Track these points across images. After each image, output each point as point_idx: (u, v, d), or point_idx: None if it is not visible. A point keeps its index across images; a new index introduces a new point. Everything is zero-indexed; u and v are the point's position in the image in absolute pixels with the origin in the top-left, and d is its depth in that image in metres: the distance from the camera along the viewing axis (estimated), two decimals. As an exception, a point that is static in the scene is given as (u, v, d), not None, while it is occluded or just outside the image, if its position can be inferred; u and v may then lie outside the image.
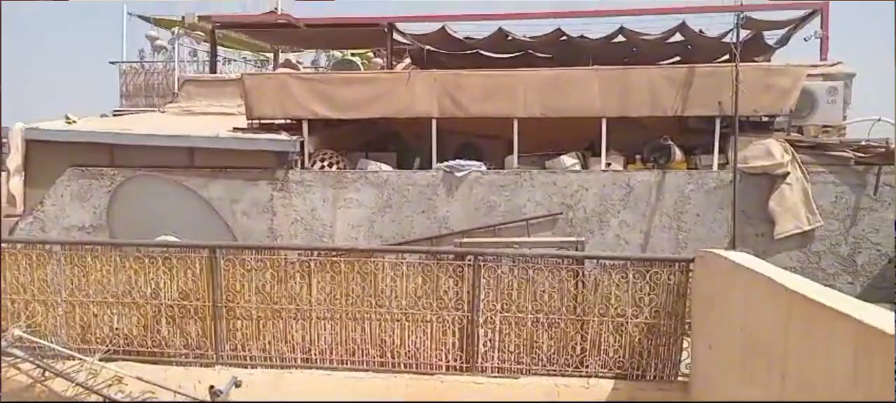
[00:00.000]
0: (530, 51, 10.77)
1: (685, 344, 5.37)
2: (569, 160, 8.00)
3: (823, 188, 7.37)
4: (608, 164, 7.96)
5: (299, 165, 8.16)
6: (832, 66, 8.77)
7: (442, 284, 5.60)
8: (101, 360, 5.62)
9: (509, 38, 10.26)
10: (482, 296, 5.56)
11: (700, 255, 5.25)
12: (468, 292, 5.55)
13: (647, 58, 9.96)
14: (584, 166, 8.11)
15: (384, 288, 5.62)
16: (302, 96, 8.25)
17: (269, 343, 5.69)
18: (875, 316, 3.01)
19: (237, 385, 5.44)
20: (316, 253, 5.78)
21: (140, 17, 13.78)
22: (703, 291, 5.11)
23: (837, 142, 7.69)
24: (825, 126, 8.19)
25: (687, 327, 5.36)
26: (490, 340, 5.58)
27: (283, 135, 8.25)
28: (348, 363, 5.64)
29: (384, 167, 8.25)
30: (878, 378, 2.84)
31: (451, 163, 7.95)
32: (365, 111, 8.25)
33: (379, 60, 13.64)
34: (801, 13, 9.56)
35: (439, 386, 5.48)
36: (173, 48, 13.25)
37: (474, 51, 10.94)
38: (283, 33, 12.12)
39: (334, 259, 5.66)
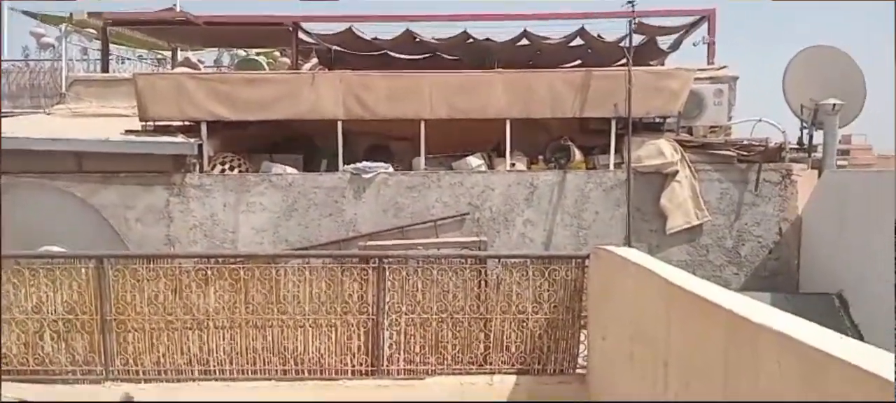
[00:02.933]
0: (438, 53, 10.85)
1: (582, 337, 5.58)
2: (475, 161, 8.13)
3: (710, 185, 7.85)
4: (513, 165, 8.14)
5: (198, 169, 7.85)
6: (718, 69, 9.34)
7: (347, 288, 5.55)
8: (-26, 382, 5.19)
9: (417, 39, 10.29)
10: (387, 299, 5.57)
11: (595, 252, 5.47)
12: (373, 295, 5.54)
13: (551, 61, 10.27)
14: (490, 167, 8.26)
15: (287, 294, 5.51)
16: (200, 97, 7.94)
17: (163, 355, 5.45)
18: (742, 305, 3.25)
19: (129, 400, 5.17)
20: (213, 260, 5.58)
21: (24, 12, 12.85)
22: (598, 286, 5.33)
23: (723, 142, 8.21)
24: (712, 126, 8.73)
25: (584, 321, 5.57)
26: (395, 342, 5.59)
27: (180, 138, 7.91)
28: (249, 372, 5.49)
29: (289, 170, 8.06)
30: (745, 362, 3.06)
31: (358, 165, 7.88)
32: (268, 112, 8.03)
33: (286, 60, 13.34)
34: (690, 19, 10.14)
35: (343, 391, 5.43)
36: (61, 45, 12.41)
37: (382, 52, 10.91)
38: (182, 31, 11.61)
39: (233, 266, 5.49)
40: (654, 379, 4.06)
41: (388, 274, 5.52)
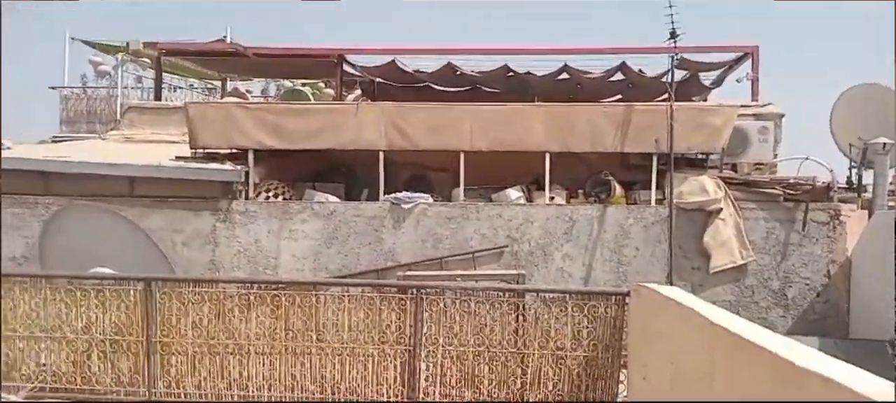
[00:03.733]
0: (478, 85, 10.98)
1: (622, 377, 5.48)
2: (514, 193, 8.14)
3: (755, 224, 7.69)
4: (552, 198, 8.13)
5: (244, 196, 8.06)
6: (763, 106, 9.22)
7: (385, 317, 5.59)
8: (26, 398, 5.38)
9: (458, 72, 10.44)
10: (424, 329, 5.58)
11: (635, 289, 5.39)
12: (410, 325, 5.56)
13: (591, 95, 10.28)
14: (529, 199, 8.26)
15: (326, 321, 5.58)
16: (247, 126, 8.19)
17: (205, 379, 5.55)
18: (787, 348, 3.16)
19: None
20: (256, 286, 5.69)
21: (83, 41, 13.49)
22: (638, 324, 5.24)
23: (768, 180, 8.05)
24: (757, 163, 8.58)
25: (624, 360, 5.48)
26: (431, 374, 5.59)
27: (228, 165, 8.15)
28: (288, 399, 5.55)
29: (331, 198, 8.21)
30: (791, 408, 2.98)
31: (398, 195, 7.98)
32: (312, 142, 8.23)
33: (330, 91, 13.67)
34: (733, 56, 10.05)
35: (379, 421, 5.43)
36: (117, 74, 12.97)
37: (424, 84, 11.09)
38: (231, 62, 12.04)
39: (274, 292, 5.59)
40: (696, 423, 3.97)
41: (425, 304, 5.54)
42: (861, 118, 8.54)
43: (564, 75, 10.11)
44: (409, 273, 7.44)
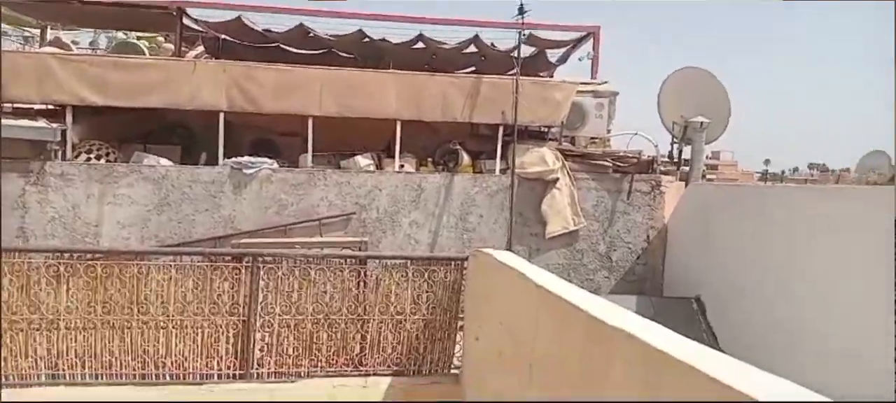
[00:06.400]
0: (333, 49, 10.66)
1: (458, 339, 5.64)
2: (363, 160, 8.05)
3: (587, 193, 8.21)
4: (401, 166, 8.13)
5: (60, 156, 7.24)
6: (601, 84, 9.80)
7: (216, 287, 5.30)
8: None
9: (311, 34, 10.06)
10: (260, 299, 5.36)
11: (473, 254, 5.54)
12: (245, 295, 5.32)
13: (446, 65, 10.36)
14: (379, 167, 8.20)
15: (149, 293, 5.18)
16: (66, 79, 7.33)
17: (5, 359, 4.95)
18: (600, 308, 3.38)
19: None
20: (67, 255, 5.14)
21: None
22: (474, 287, 5.41)
23: (600, 153, 8.62)
24: (593, 138, 9.16)
25: (461, 322, 5.64)
26: (267, 344, 5.40)
27: (42, 122, 7.27)
28: (104, 376, 5.10)
29: (163, 161, 7.61)
30: (598, 362, 3.19)
31: (239, 159, 7.57)
32: (142, 100, 7.54)
33: (170, 46, 12.62)
34: (577, 35, 10.57)
35: (208, 395, 5.17)
36: None
37: (274, 44, 10.56)
38: (54, 8, 10.68)
39: (90, 262, 5.09)
40: (520, 379, 4.16)
41: (262, 273, 5.32)
42: (684, 99, 9.36)
43: (420, 44, 10.09)
44: (246, 240, 7.11)
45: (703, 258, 7.51)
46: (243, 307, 5.32)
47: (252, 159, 7.64)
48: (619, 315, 3.21)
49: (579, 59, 10.24)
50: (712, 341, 7.00)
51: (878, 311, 4.94)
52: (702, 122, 8.84)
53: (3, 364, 4.93)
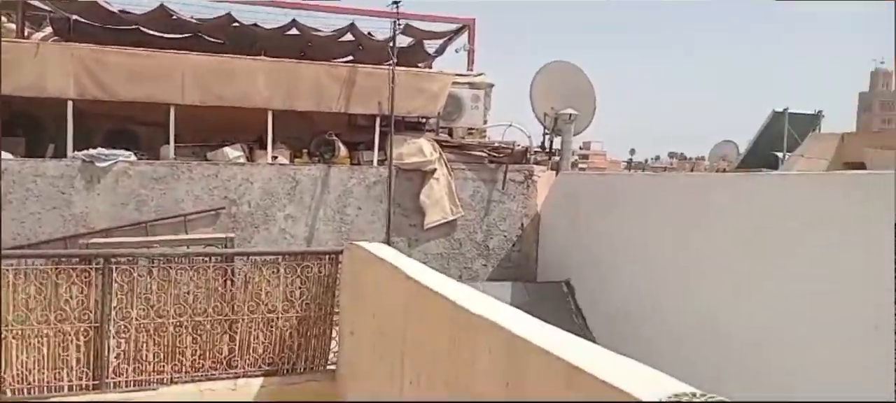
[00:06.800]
0: (199, 34, 10.05)
1: (334, 334, 5.53)
2: (232, 152, 7.67)
3: (464, 183, 8.35)
4: (275, 158, 7.84)
5: None
6: (477, 76, 9.98)
7: (63, 292, 4.83)
8: None
9: (174, 17, 9.42)
10: (115, 303, 4.95)
11: (347, 247, 5.45)
12: (96, 300, 4.89)
13: (322, 54, 10.10)
14: (250, 159, 7.86)
15: (-18, 302, 4.62)
16: None
17: None
18: (466, 297, 3.42)
19: None
20: None
21: None
22: (348, 281, 5.32)
23: (477, 144, 8.79)
24: (470, 128, 9.32)
25: (336, 317, 5.53)
26: (123, 351, 5.00)
27: None
28: (-75, 399, 4.51)
29: (6, 155, 6.84)
30: (464, 349, 3.23)
31: (91, 151, 6.96)
32: (-27, 85, 6.72)
33: (13, 26, 11.36)
34: (453, 27, 10.69)
35: (57, 411, 4.72)
36: None
37: (134, 27, 9.79)
38: None
39: None
40: (393, 371, 4.15)
41: (115, 275, 4.92)
42: (555, 91, 9.75)
43: (293, 31, 9.75)
44: (100, 240, 6.57)
45: (572, 243, 7.89)
46: (95, 312, 4.90)
47: (105, 151, 7.05)
48: (484, 303, 3.27)
49: (456, 51, 10.37)
50: (582, 322, 7.39)
51: (728, 290, 5.42)
52: (571, 114, 9.25)
53: None
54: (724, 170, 14.75)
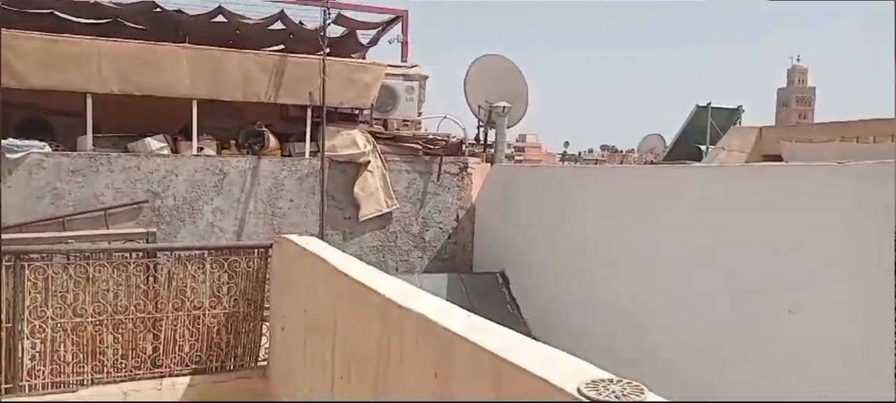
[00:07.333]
0: (119, 20, 9.60)
1: (265, 330, 5.44)
2: (155, 143, 7.37)
3: (399, 175, 8.32)
4: (201, 149, 7.59)
5: None
6: (411, 67, 9.94)
7: (-32, 292, 4.54)
8: None
9: (92, 1, 8.96)
10: (28, 302, 4.70)
11: (277, 241, 5.36)
12: (7, 299, 4.63)
13: (251, 43, 9.82)
14: (174, 150, 7.58)
15: None
16: None
17: None
18: (395, 290, 3.43)
19: None
20: None
21: None
22: (278, 275, 5.24)
23: (411, 135, 8.78)
24: (404, 120, 9.30)
25: (267, 313, 5.43)
26: (39, 352, 4.76)
27: None
28: None
29: None
30: (393, 341, 3.24)
31: (2, 142, 6.54)
32: None
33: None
34: (387, 17, 10.62)
35: (-37, 419, 4.45)
36: None
37: (48, 11, 9.25)
38: None
39: None
40: (324, 366, 4.11)
41: (28, 272, 4.66)
42: (488, 84, 9.83)
43: (220, 18, 9.44)
44: (12, 236, 6.19)
45: (506, 234, 8.01)
46: (7, 312, 4.63)
47: (17, 142, 6.65)
48: (412, 296, 3.29)
49: (389, 42, 10.32)
50: (516, 312, 7.51)
51: (653, 279, 5.62)
52: (504, 107, 9.36)
53: None
54: (652, 162, 15.29)
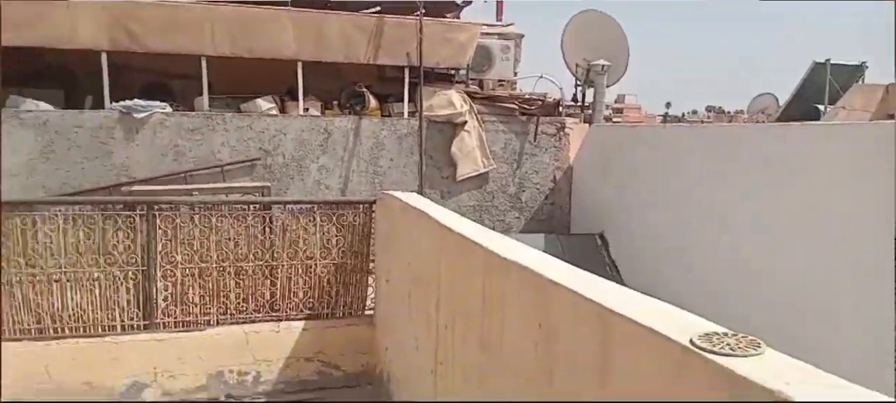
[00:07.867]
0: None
1: (370, 281, 5.69)
2: (265, 104, 7.78)
3: (495, 135, 8.35)
4: (306, 109, 7.93)
5: (-79, 102, 6.56)
6: (506, 26, 9.87)
7: (110, 238, 5.05)
8: None
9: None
10: (159, 248, 5.17)
11: (380, 197, 5.56)
12: (142, 245, 5.11)
13: (350, 3, 10.05)
14: (282, 110, 7.96)
15: (36, 245, 4.87)
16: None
17: None
18: (497, 243, 3.50)
19: None
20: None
21: None
22: (382, 230, 5.45)
23: (507, 95, 8.75)
24: (500, 80, 9.27)
25: (371, 265, 5.68)
26: (171, 294, 5.24)
27: None
28: (-10, 336, 4.80)
29: (43, 105, 7.05)
30: (496, 293, 3.32)
31: (127, 103, 7.13)
32: (10, 38, 6.87)
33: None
34: (483, -25, 10.55)
35: (113, 348, 4.99)
36: None
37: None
38: None
39: (-37, 214, 4.71)
40: (428, 317, 4.28)
41: (159, 221, 5.11)
42: (587, 42, 9.59)
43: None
44: (141, 188, 6.78)
45: (605, 196, 7.89)
46: (141, 257, 5.12)
47: (141, 102, 7.20)
48: (514, 248, 3.35)
49: (484, 1, 10.25)
50: (616, 274, 7.43)
51: (767, 241, 5.40)
52: (603, 65, 9.12)
53: None
54: (764, 122, 14.42)
